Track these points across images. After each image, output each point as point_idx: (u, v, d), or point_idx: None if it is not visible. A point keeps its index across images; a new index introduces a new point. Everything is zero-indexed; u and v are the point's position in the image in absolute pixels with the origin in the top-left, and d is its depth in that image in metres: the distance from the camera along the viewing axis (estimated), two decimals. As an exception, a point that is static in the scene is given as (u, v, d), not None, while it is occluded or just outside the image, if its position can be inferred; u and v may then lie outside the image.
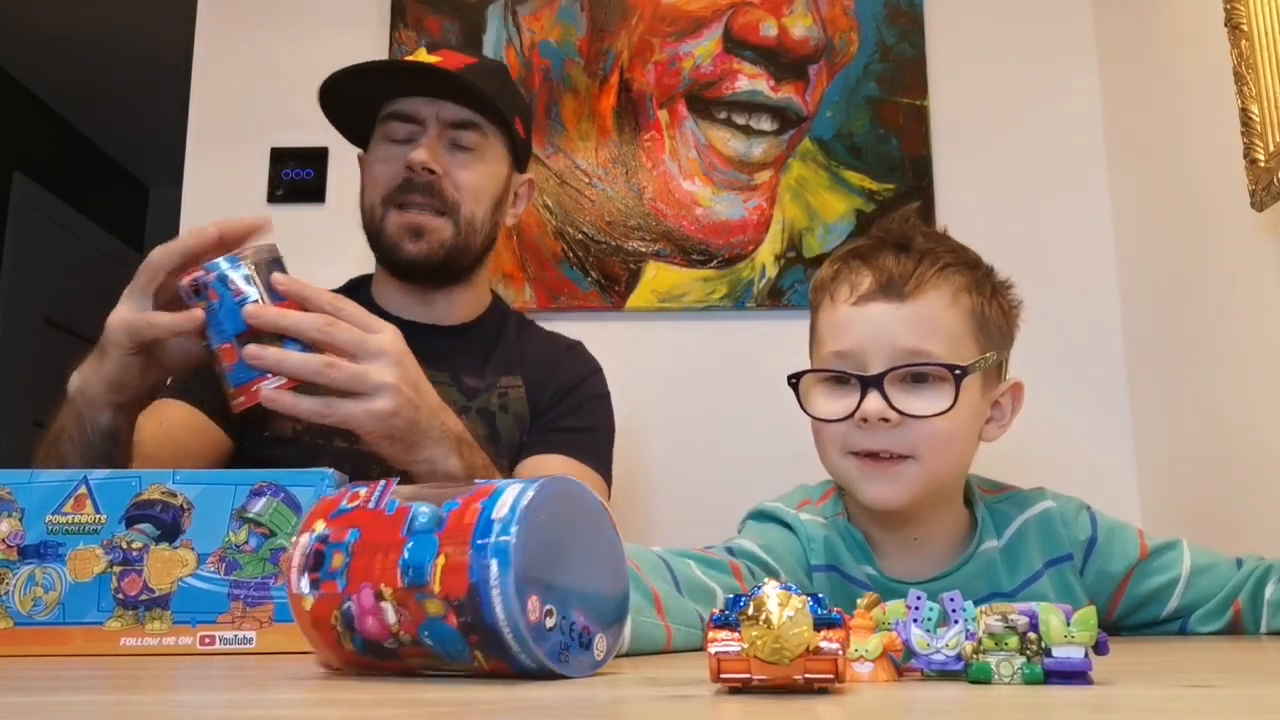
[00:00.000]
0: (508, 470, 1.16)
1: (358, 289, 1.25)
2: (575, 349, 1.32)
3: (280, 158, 1.85)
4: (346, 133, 1.27)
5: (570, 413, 1.21)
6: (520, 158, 1.26)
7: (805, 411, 0.96)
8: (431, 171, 1.14)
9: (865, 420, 0.89)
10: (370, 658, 0.50)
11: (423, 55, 1.18)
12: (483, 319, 1.27)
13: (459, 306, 1.25)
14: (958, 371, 0.89)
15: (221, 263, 0.82)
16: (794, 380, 0.96)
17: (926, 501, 0.94)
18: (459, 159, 1.18)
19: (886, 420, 0.89)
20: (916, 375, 0.90)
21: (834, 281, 0.96)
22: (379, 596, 0.48)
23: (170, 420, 1.06)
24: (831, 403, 0.93)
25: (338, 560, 0.50)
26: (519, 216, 1.32)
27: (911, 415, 0.89)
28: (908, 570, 0.97)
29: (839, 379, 0.93)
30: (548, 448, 1.17)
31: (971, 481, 1.03)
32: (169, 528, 0.69)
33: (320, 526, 0.53)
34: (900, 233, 0.96)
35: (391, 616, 0.48)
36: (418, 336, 1.12)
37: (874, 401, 0.89)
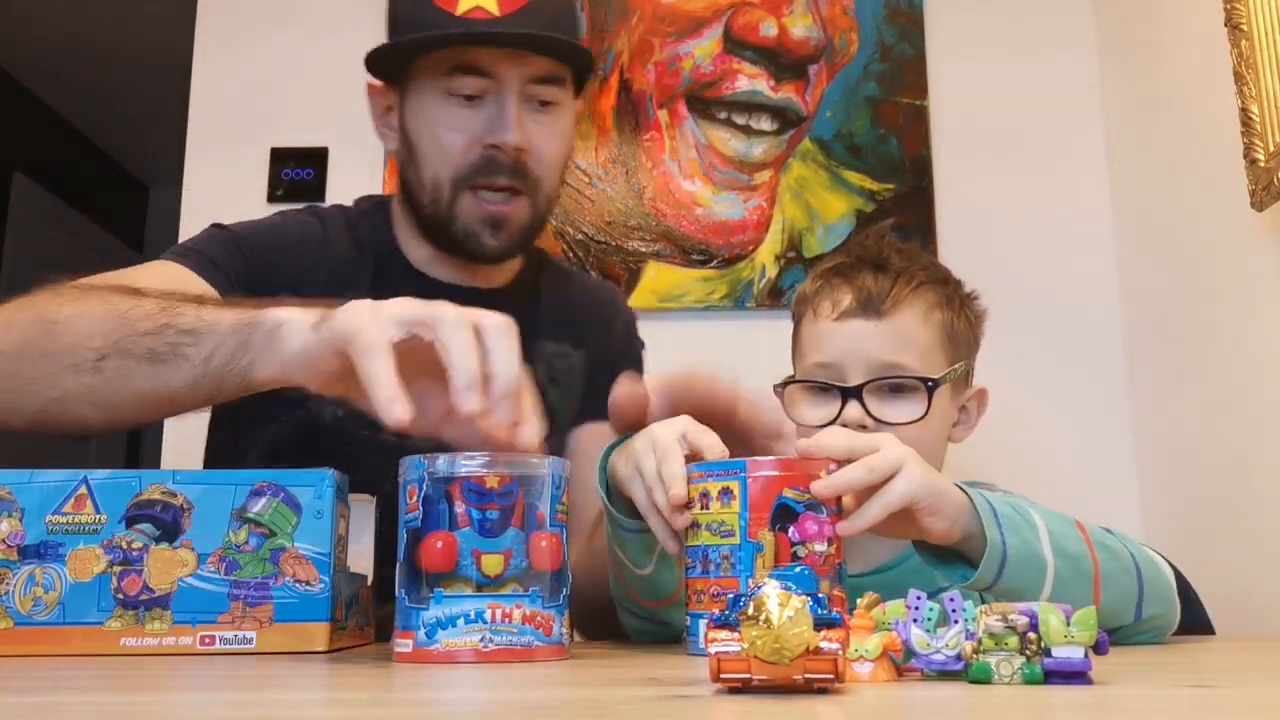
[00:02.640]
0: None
1: (376, 225, 1.08)
2: (622, 312, 1.22)
3: (280, 158, 1.85)
4: (379, 67, 1.06)
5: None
6: (586, 80, 1.09)
7: (790, 417, 1.03)
8: (520, 149, 0.98)
9: (845, 427, 0.96)
10: None
11: None
12: (521, 274, 1.12)
13: (507, 270, 1.10)
14: (930, 384, 0.97)
15: None
16: (779, 389, 1.04)
17: None
18: (541, 123, 1.00)
19: (864, 428, 0.96)
20: (893, 386, 0.98)
21: (816, 297, 1.04)
22: None
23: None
24: (814, 410, 1.01)
25: None
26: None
27: (888, 423, 0.96)
28: (854, 564, 1.00)
29: (821, 389, 1.01)
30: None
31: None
32: (169, 528, 0.69)
33: None
34: (877, 252, 1.05)
35: None
36: (460, 304, 1.04)
37: (853, 410, 0.97)
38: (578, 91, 1.07)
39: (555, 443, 1.07)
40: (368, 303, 0.66)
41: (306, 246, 1.04)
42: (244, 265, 1.00)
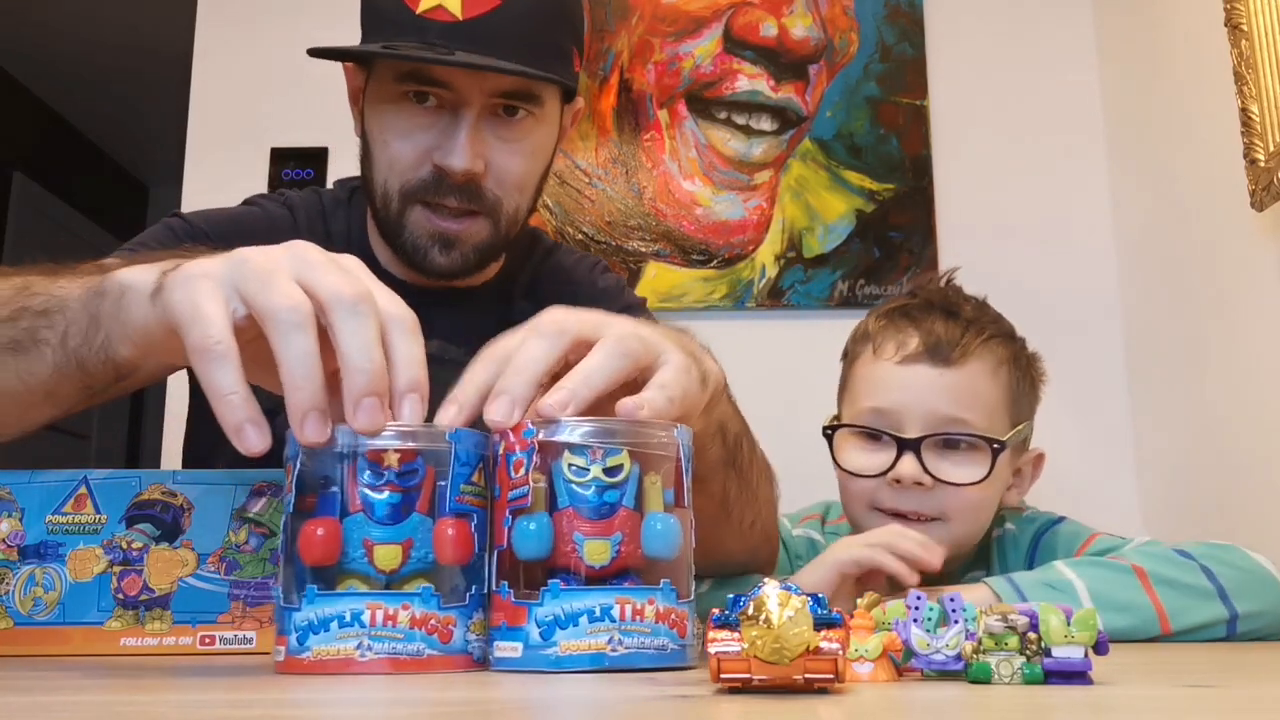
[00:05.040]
0: None
1: (350, 217, 1.01)
2: (602, 267, 1.11)
3: (280, 158, 1.85)
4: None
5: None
6: (573, 91, 0.97)
7: (836, 463, 0.97)
8: (472, 173, 0.89)
9: (899, 481, 0.91)
10: None
11: None
12: (505, 271, 1.03)
13: (481, 275, 1.01)
14: (996, 445, 0.90)
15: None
16: (828, 431, 0.97)
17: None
18: (506, 141, 0.90)
19: (920, 484, 0.90)
20: (950, 441, 0.91)
21: (879, 336, 0.96)
22: None
23: None
24: (864, 458, 0.94)
25: None
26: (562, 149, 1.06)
27: (946, 482, 0.90)
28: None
29: (874, 435, 0.94)
30: None
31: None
32: (169, 528, 0.69)
33: None
34: (947, 298, 0.98)
35: None
36: (430, 305, 0.90)
37: (909, 465, 0.90)
38: (568, 99, 0.97)
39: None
40: (210, 264, 0.53)
41: (274, 237, 0.96)
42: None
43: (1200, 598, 0.79)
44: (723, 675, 0.43)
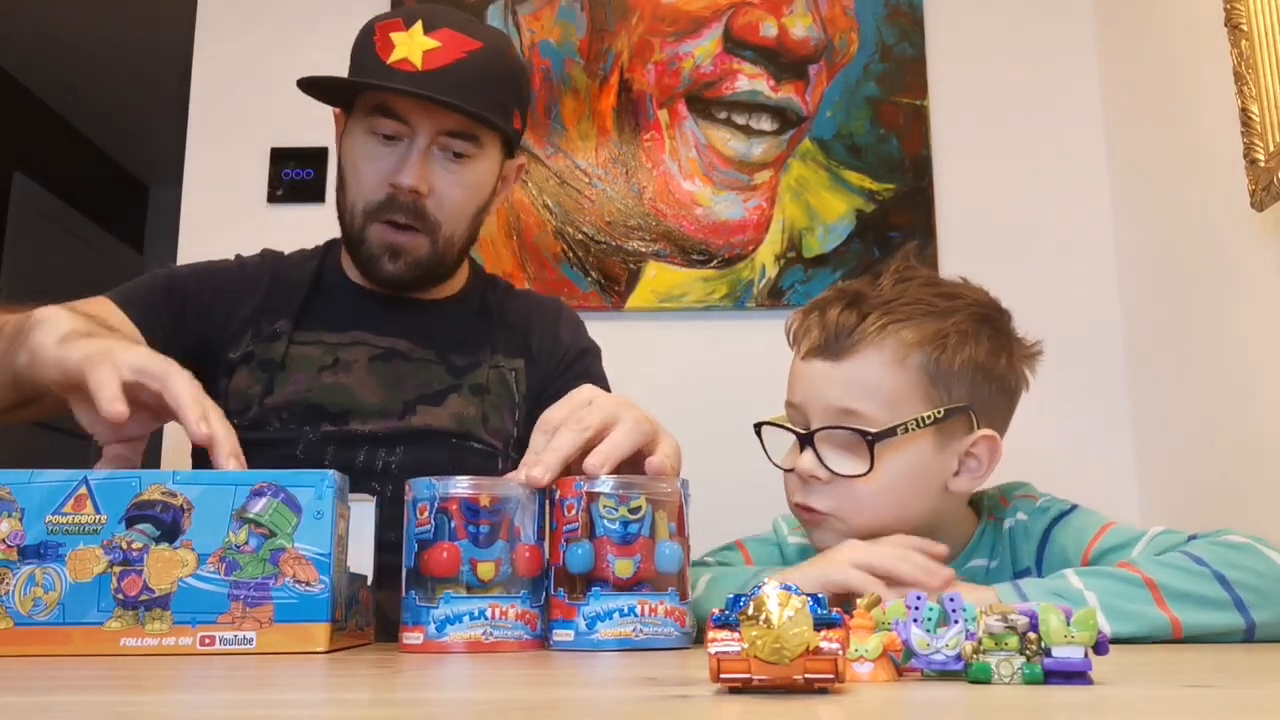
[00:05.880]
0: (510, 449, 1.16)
1: (326, 256, 1.23)
2: (567, 313, 1.30)
3: (280, 158, 1.85)
4: (322, 95, 1.19)
5: (581, 375, 1.18)
6: (514, 146, 1.19)
7: (768, 457, 1.00)
8: (418, 192, 1.09)
9: (799, 476, 0.94)
10: None
11: (418, 35, 1.08)
12: (464, 293, 1.24)
13: (455, 283, 1.23)
14: (869, 437, 0.90)
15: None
16: (758, 429, 1.00)
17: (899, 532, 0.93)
18: (449, 171, 1.11)
19: (817, 478, 0.93)
20: (851, 433, 0.92)
21: (793, 331, 1.00)
22: None
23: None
24: (785, 454, 0.98)
25: None
26: (504, 199, 1.28)
27: (840, 475, 0.92)
28: None
29: (792, 432, 0.97)
30: None
31: (994, 497, 1.05)
32: (169, 528, 0.69)
33: None
34: (860, 285, 0.98)
35: None
36: (399, 311, 1.17)
37: (806, 459, 0.93)
38: (509, 153, 1.18)
39: (500, 451, 1.15)
40: (108, 344, 0.80)
41: (244, 285, 1.17)
42: (164, 297, 1.13)
43: (1215, 609, 0.79)
44: (723, 675, 0.43)
